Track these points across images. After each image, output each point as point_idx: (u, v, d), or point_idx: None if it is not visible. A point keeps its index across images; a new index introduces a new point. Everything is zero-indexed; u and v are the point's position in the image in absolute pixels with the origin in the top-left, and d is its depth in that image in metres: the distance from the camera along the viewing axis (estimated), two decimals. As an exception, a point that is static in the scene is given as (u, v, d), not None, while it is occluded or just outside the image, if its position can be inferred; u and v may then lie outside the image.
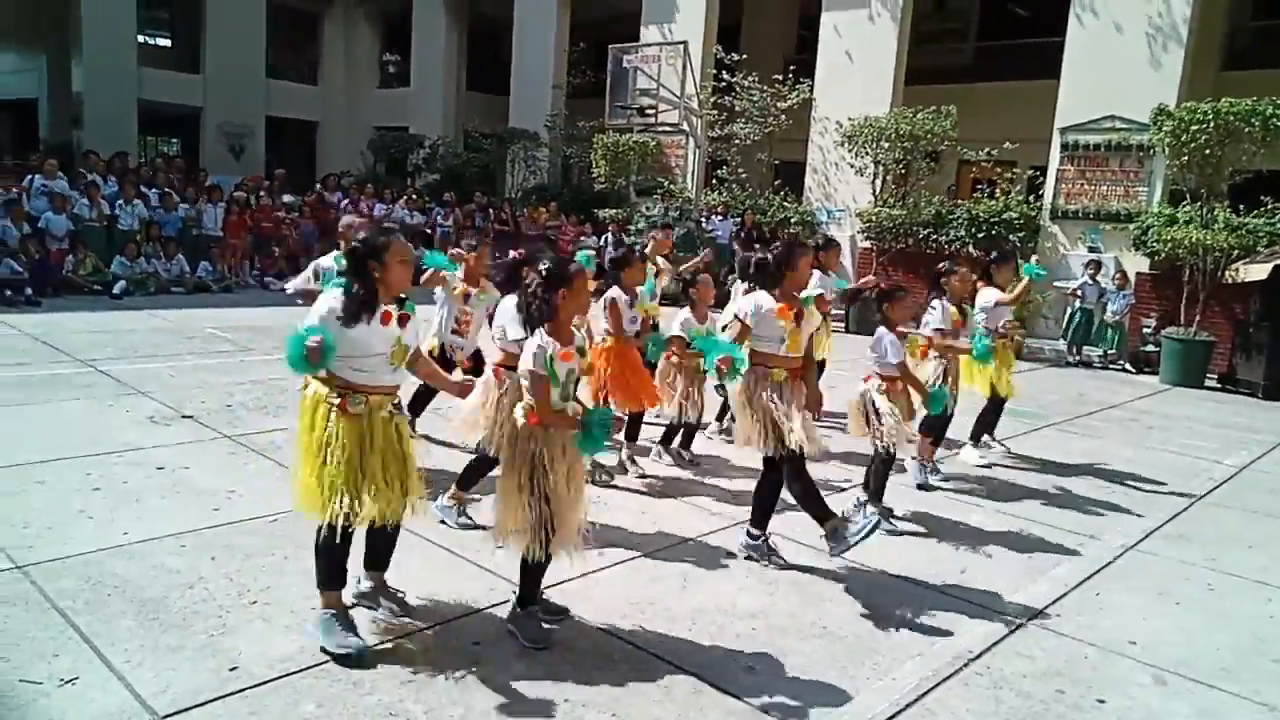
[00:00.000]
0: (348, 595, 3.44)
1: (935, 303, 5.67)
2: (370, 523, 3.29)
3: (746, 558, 4.39)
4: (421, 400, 5.92)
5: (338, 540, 3.19)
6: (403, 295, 3.34)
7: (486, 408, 4.18)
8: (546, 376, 3.27)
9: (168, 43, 23.41)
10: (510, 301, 4.33)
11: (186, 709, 2.85)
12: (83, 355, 8.02)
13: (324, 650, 3.21)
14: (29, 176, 12.90)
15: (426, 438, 5.86)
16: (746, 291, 4.93)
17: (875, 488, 4.98)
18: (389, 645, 3.34)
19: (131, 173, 14.43)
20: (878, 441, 4.84)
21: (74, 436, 5.59)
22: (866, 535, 4.04)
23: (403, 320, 3.32)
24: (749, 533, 4.44)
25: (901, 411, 4.87)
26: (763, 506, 4.39)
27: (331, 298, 3.22)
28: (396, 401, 3.40)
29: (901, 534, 4.92)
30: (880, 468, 4.97)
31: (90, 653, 3.14)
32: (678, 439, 6.06)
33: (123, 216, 13.01)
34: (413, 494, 3.34)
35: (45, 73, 20.68)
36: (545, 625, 3.51)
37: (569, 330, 3.42)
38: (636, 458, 5.76)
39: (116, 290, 11.99)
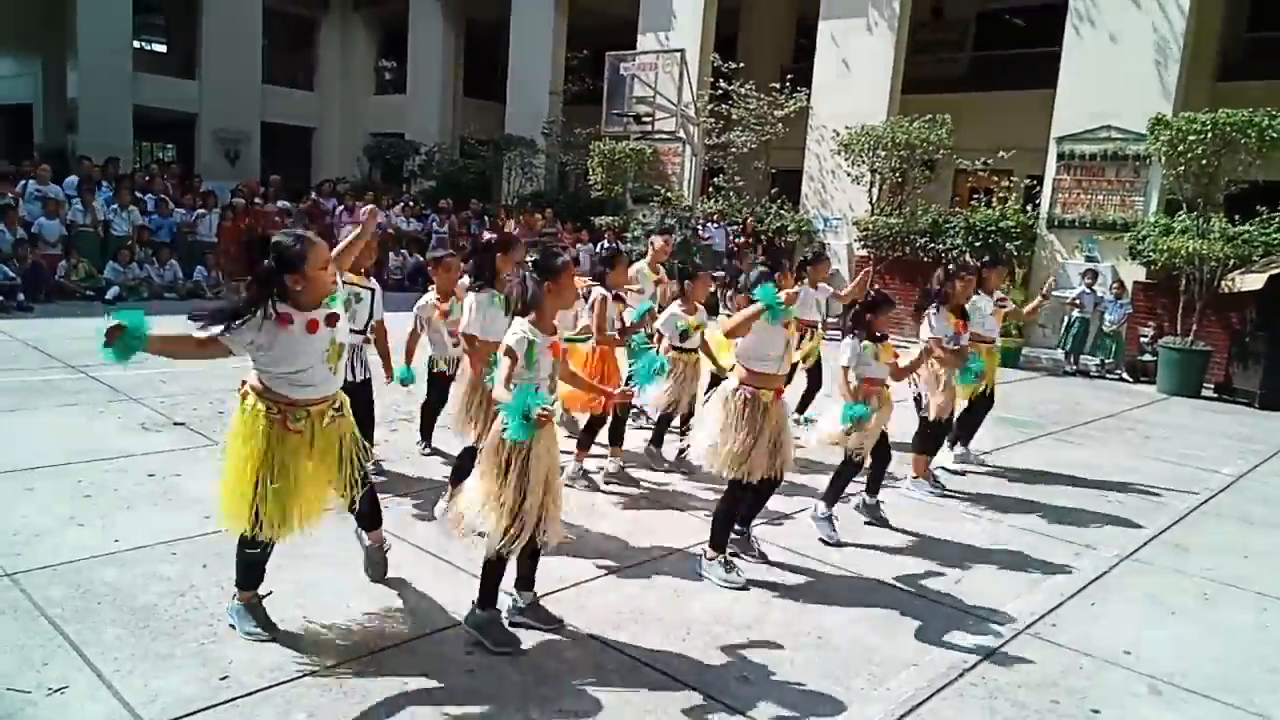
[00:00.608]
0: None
1: (933, 309, 5.66)
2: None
3: (732, 554, 4.32)
4: (429, 419, 5.88)
5: (258, 551, 3.32)
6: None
7: (469, 395, 4.26)
8: (518, 358, 3.27)
9: (163, 48, 23.42)
10: (473, 295, 4.53)
11: (177, 718, 2.82)
12: (75, 361, 7.98)
13: (237, 628, 3.37)
14: (22, 181, 12.87)
15: (437, 451, 5.86)
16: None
17: (834, 492, 4.93)
18: (382, 654, 3.31)
19: (126, 178, 14.41)
20: (848, 447, 4.82)
21: (65, 443, 5.56)
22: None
23: (331, 320, 3.20)
24: (705, 554, 4.29)
25: (881, 416, 4.85)
26: (720, 530, 4.26)
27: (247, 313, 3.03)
28: (337, 404, 3.34)
29: (891, 549, 4.90)
30: (847, 472, 4.93)
31: (80, 661, 3.10)
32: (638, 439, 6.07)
33: (116, 222, 12.98)
34: (359, 476, 3.37)
35: (41, 77, 20.65)
36: (510, 627, 3.50)
37: (552, 324, 3.44)
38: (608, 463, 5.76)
39: (109, 296, 11.94)
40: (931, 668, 3.52)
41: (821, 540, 4.79)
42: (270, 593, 3.48)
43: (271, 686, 3.04)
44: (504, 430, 3.20)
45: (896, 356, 4.92)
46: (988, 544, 5.02)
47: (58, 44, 19.96)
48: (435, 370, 5.56)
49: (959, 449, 6.59)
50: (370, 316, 4.89)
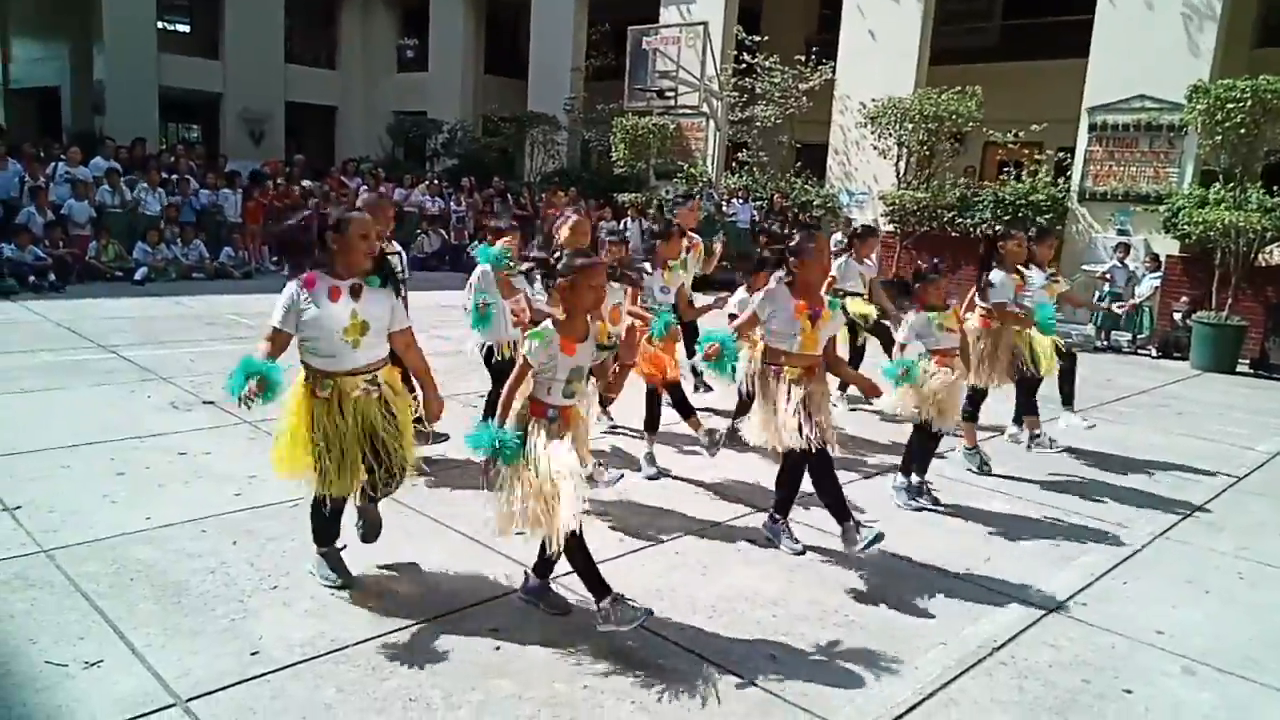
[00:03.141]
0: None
1: (995, 274, 5.61)
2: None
3: (766, 540, 4.36)
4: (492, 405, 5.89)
5: (325, 510, 3.51)
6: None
7: None
8: (530, 367, 3.22)
9: (187, 29, 23.48)
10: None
11: (209, 692, 2.86)
12: (106, 341, 8.09)
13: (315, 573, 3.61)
14: (52, 164, 13.00)
15: None
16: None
17: (916, 462, 4.96)
18: (410, 630, 3.34)
19: (152, 159, 14.51)
20: (926, 417, 4.75)
21: (97, 422, 5.64)
22: (868, 546, 4.02)
23: (355, 291, 3.31)
24: (770, 515, 4.40)
25: (955, 387, 4.82)
26: (780, 494, 4.34)
27: (290, 283, 3.32)
28: (371, 378, 3.39)
29: (922, 508, 4.88)
30: (924, 441, 4.90)
31: (114, 636, 3.16)
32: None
33: (149, 201, 13.09)
34: (396, 469, 3.43)
35: (68, 60, 20.79)
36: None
37: (581, 322, 3.33)
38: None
39: (138, 276, 12.08)
40: (960, 646, 3.50)
41: (914, 509, 4.88)
42: (345, 546, 3.70)
43: (301, 662, 3.07)
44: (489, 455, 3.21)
45: (962, 321, 4.89)
46: (1018, 522, 4.97)
47: (84, 27, 20.08)
48: (495, 360, 5.43)
49: (1011, 428, 6.54)
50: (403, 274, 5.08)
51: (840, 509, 4.12)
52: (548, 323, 3.28)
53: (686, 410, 5.50)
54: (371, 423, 3.36)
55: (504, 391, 3.30)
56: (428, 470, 5.30)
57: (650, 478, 5.30)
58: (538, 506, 3.14)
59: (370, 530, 3.79)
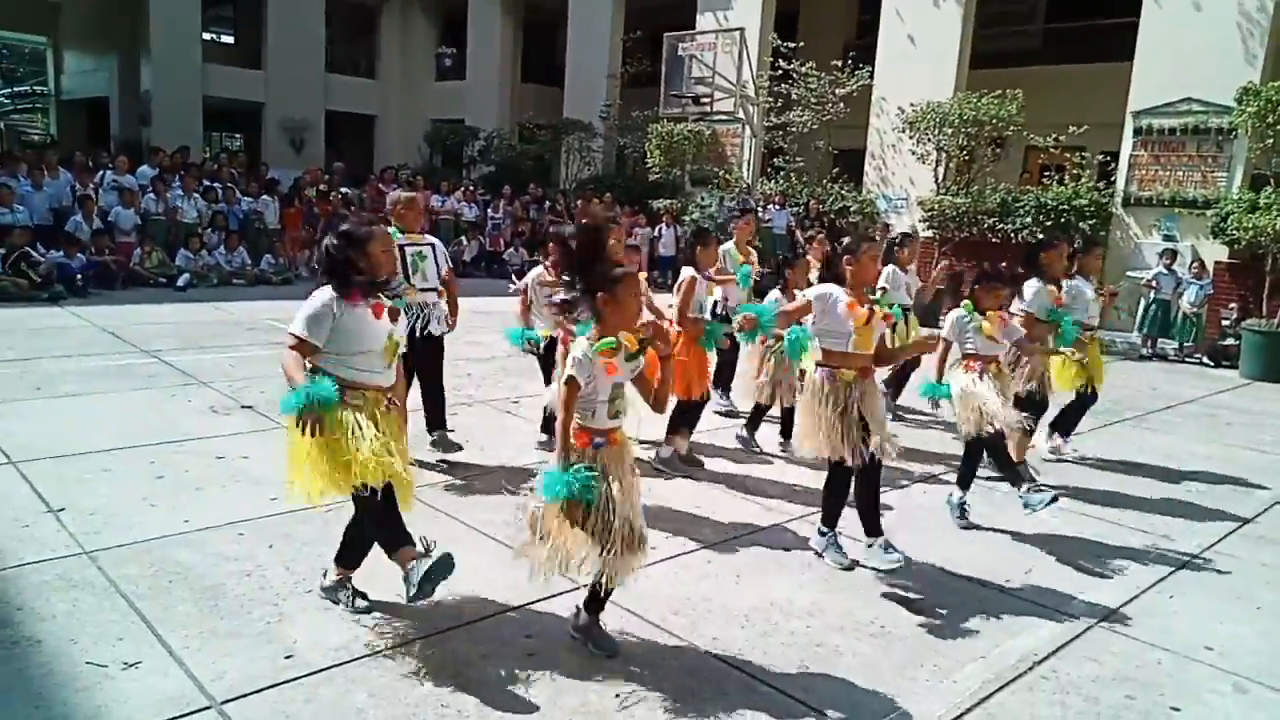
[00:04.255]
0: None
1: (1031, 283, 5.48)
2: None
3: (816, 555, 4.28)
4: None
5: (380, 508, 3.23)
6: (392, 293, 3.42)
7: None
8: (580, 386, 3.03)
9: (231, 40, 23.97)
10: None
11: (243, 695, 2.88)
12: (148, 346, 8.24)
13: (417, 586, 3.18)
14: (101, 172, 13.32)
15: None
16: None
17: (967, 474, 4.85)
18: (443, 636, 3.34)
19: (195, 167, 14.81)
20: (987, 427, 4.60)
21: (138, 426, 5.74)
22: (888, 570, 3.99)
23: (393, 315, 3.36)
24: (818, 529, 4.32)
25: (1004, 392, 4.71)
26: (827, 506, 4.26)
27: (321, 292, 3.26)
28: (390, 399, 3.39)
29: (959, 538, 4.76)
30: (979, 452, 4.77)
31: (152, 637, 3.20)
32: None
33: (185, 209, 13.36)
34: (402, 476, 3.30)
35: (115, 72, 21.31)
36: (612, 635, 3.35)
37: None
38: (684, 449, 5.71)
39: (180, 283, 12.32)
40: (1000, 660, 3.42)
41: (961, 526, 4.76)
42: (435, 542, 3.37)
43: (334, 666, 3.08)
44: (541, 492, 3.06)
45: (1004, 323, 4.78)
46: (1060, 534, 4.85)
47: (132, 39, 20.57)
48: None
49: (1055, 439, 6.32)
50: (439, 270, 5.24)
51: (873, 522, 4.07)
52: (582, 345, 3.10)
53: (682, 424, 5.53)
54: (392, 432, 3.33)
55: (559, 425, 3.10)
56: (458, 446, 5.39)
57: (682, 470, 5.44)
58: (596, 550, 3.04)
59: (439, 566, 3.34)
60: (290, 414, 3.11)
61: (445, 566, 3.20)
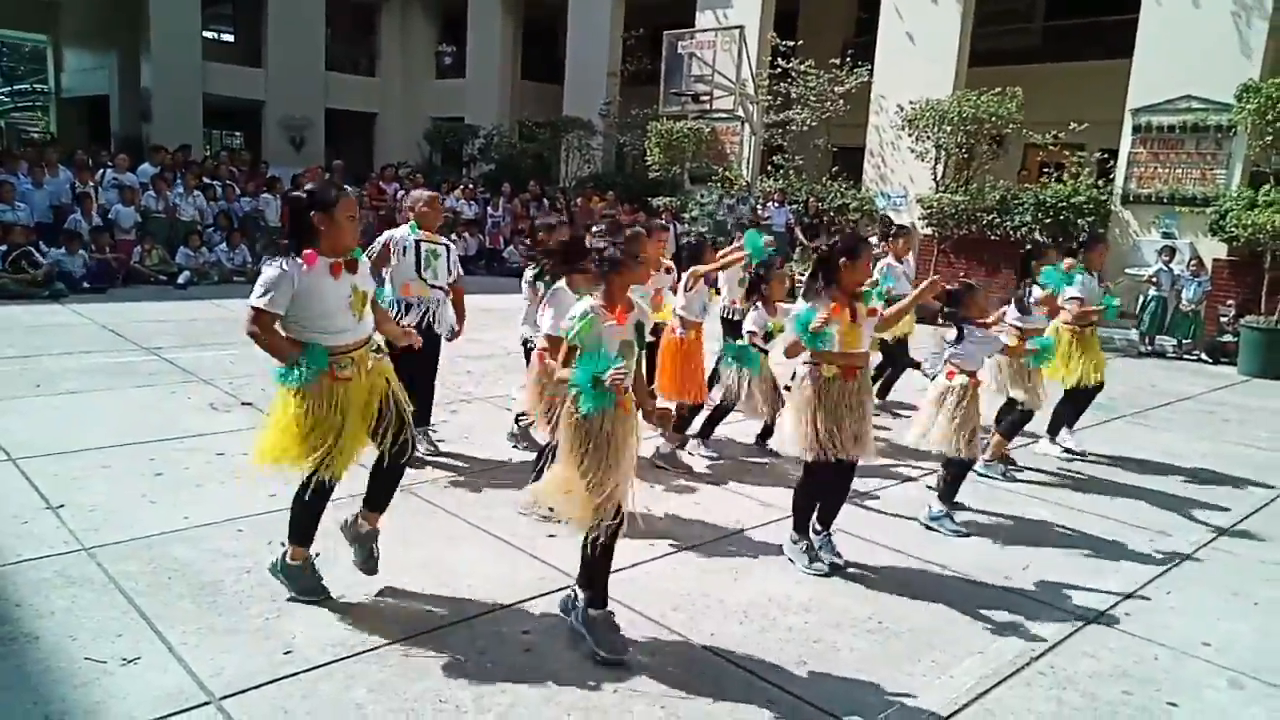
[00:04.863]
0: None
1: (1038, 293, 5.68)
2: (378, 461, 3.42)
3: (789, 560, 4.21)
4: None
5: (319, 497, 3.39)
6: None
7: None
8: (562, 339, 3.22)
9: (231, 38, 23.94)
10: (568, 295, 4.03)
11: (242, 690, 2.89)
12: (148, 344, 8.25)
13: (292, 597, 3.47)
14: (101, 170, 13.31)
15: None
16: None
17: (949, 489, 4.82)
18: (442, 631, 3.35)
19: (195, 165, 14.80)
20: (960, 446, 4.58)
21: (138, 423, 5.74)
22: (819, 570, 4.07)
23: (351, 266, 3.31)
24: (790, 537, 4.22)
25: (977, 408, 4.71)
26: (800, 513, 4.19)
27: (275, 262, 3.20)
28: (375, 346, 3.44)
29: (968, 534, 4.74)
30: (960, 471, 4.78)
31: (151, 633, 3.20)
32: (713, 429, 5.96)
33: (184, 207, 13.36)
34: (406, 426, 3.42)
35: (116, 70, 21.30)
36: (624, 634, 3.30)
37: (624, 298, 3.27)
38: (699, 449, 5.74)
39: (181, 280, 12.31)
40: (997, 656, 3.42)
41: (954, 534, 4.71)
42: (318, 554, 3.59)
43: (333, 662, 3.09)
44: (578, 407, 3.09)
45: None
46: (1057, 530, 4.87)
47: (132, 37, 20.54)
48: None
49: (1064, 433, 6.34)
50: (449, 272, 5.28)
51: (830, 518, 4.21)
52: (585, 303, 3.21)
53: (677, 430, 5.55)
54: (385, 381, 3.40)
55: (559, 369, 3.22)
56: (441, 452, 5.41)
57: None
58: (605, 478, 3.09)
59: (370, 564, 3.58)
60: (292, 385, 3.18)
61: (311, 590, 3.48)
